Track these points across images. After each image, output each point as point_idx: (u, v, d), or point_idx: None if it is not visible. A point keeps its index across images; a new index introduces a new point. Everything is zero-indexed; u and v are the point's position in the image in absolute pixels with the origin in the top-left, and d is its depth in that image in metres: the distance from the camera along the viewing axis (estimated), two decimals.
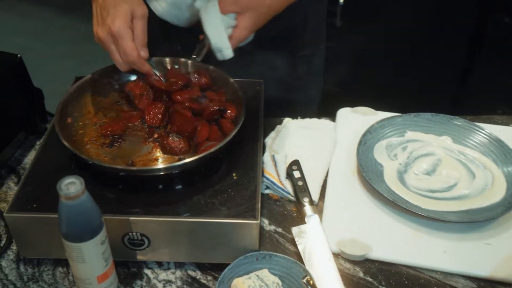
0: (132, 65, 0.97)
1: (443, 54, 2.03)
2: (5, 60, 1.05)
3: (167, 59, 1.08)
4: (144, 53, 0.96)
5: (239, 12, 0.99)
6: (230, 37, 0.99)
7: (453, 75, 2.11)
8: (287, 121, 1.17)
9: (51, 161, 0.92)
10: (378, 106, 1.24)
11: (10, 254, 0.91)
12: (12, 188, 1.03)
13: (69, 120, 0.98)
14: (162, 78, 1.01)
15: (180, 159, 0.91)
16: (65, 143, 0.87)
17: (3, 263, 0.90)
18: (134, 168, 0.89)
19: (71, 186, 0.69)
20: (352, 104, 1.26)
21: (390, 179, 1.04)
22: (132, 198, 0.86)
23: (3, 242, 0.93)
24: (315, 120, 1.18)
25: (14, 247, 0.92)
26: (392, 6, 1.83)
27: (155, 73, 1.01)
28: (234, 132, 0.90)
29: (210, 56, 1.03)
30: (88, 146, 0.95)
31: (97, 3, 0.98)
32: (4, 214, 0.82)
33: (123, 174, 0.87)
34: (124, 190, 0.87)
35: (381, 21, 1.76)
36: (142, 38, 0.96)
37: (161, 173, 0.87)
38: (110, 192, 0.87)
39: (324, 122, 1.17)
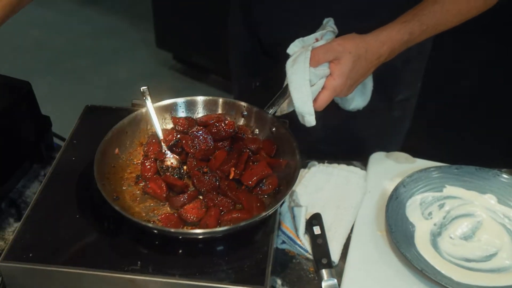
0: None
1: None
2: (15, 87, 1.11)
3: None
4: None
5: (333, 59, 0.99)
6: (323, 88, 1.00)
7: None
8: (312, 165, 1.20)
9: (53, 202, 0.97)
10: (417, 152, 1.26)
11: None
12: (11, 224, 1.10)
13: (117, 151, 1.04)
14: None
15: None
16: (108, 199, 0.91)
17: None
18: (172, 230, 0.92)
19: None
20: (388, 148, 1.28)
21: (422, 243, 1.05)
22: (133, 254, 0.90)
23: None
24: (343, 166, 1.20)
25: None
26: None
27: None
28: (275, 207, 0.93)
29: None
30: (123, 183, 1.01)
31: None
32: None
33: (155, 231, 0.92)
34: (123, 245, 0.92)
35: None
36: None
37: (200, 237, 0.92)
38: (110, 244, 0.92)
39: (353, 169, 1.20)
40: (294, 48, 1.05)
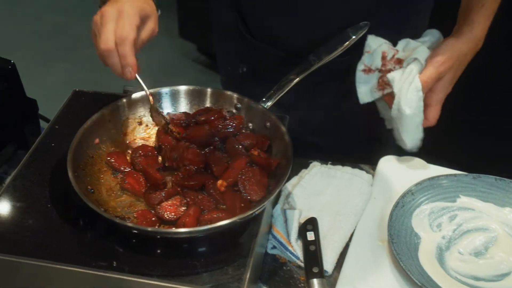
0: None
1: None
2: None
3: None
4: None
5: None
6: (429, 105, 1.10)
7: None
8: (313, 165, 1.17)
9: (26, 190, 0.97)
10: (433, 158, 1.21)
11: None
12: None
13: (97, 140, 1.03)
14: (151, 97, 1.04)
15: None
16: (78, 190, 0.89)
17: None
18: (159, 230, 0.91)
19: None
20: (400, 151, 1.24)
21: (426, 257, 1.01)
22: (106, 249, 0.89)
23: None
24: (347, 168, 1.17)
25: None
26: None
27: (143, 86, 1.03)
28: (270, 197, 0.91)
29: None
30: (102, 176, 0.99)
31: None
32: None
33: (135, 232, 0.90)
34: (97, 240, 0.90)
35: None
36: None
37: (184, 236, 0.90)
38: (80, 236, 0.91)
39: (358, 173, 1.16)
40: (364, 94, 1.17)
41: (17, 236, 0.89)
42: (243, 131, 1.06)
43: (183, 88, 1.09)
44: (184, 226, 0.90)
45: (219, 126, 1.03)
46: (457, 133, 1.86)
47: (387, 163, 1.20)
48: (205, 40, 3.39)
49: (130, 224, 0.89)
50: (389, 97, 1.13)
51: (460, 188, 1.11)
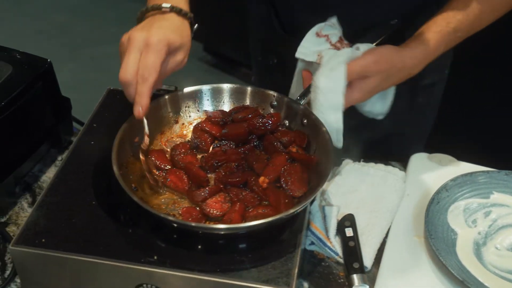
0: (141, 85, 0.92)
1: None
2: (33, 64, 1.13)
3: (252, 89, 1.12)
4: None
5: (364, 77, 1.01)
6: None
7: None
8: (346, 163, 1.19)
9: (69, 188, 0.98)
10: (463, 155, 1.23)
11: None
12: (25, 209, 1.11)
13: (137, 139, 1.03)
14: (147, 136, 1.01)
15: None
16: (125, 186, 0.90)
17: None
18: (193, 224, 0.91)
19: None
20: (431, 149, 1.26)
21: (464, 252, 1.03)
22: (150, 246, 0.91)
23: (8, 272, 1.00)
24: (380, 166, 1.18)
25: (18, 279, 0.99)
26: None
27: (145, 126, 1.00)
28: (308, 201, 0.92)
29: None
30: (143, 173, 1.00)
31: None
32: (9, 247, 0.89)
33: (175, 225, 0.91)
34: (140, 236, 0.92)
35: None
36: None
37: (222, 233, 0.91)
38: (126, 234, 0.93)
39: (392, 170, 1.18)
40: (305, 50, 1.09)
41: (64, 232, 0.91)
42: (280, 128, 1.08)
43: (223, 86, 1.11)
44: (230, 223, 0.91)
45: (257, 123, 1.05)
46: (479, 131, 1.89)
47: (418, 160, 1.22)
48: (211, 39, 3.41)
49: (181, 221, 0.91)
50: (307, 73, 1.08)
51: (494, 184, 1.13)
